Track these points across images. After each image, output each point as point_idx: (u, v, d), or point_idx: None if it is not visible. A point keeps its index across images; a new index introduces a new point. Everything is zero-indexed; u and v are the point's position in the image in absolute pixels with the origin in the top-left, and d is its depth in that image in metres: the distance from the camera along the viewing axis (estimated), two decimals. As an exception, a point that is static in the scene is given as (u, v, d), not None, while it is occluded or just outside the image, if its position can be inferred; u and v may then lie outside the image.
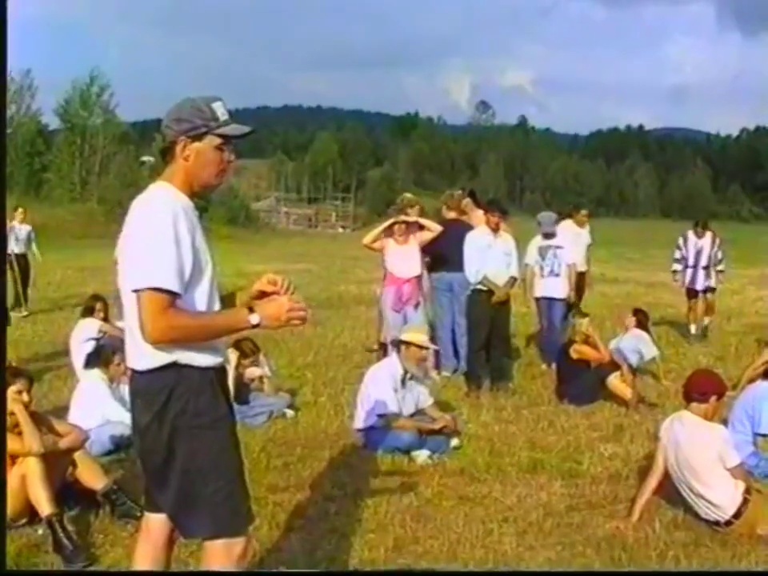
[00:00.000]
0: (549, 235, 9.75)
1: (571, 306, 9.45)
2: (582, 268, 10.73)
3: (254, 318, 2.82)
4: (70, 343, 8.44)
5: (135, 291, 2.74)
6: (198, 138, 2.87)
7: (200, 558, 3.14)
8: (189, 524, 2.95)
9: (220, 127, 2.88)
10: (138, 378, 2.90)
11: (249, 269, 18.23)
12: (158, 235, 2.73)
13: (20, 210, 14.74)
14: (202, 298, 2.87)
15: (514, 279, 8.70)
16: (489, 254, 8.46)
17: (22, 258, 14.16)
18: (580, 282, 10.70)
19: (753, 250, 27.72)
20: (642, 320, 9.43)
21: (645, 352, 8.90)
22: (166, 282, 2.70)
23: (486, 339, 8.49)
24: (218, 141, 2.89)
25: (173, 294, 2.72)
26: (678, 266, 12.35)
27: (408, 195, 9.76)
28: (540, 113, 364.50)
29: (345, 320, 12.98)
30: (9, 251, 13.78)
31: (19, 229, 14.36)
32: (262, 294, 3.04)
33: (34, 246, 14.59)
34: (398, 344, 6.57)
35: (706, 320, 12.16)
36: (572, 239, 10.36)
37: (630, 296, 17.15)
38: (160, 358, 2.81)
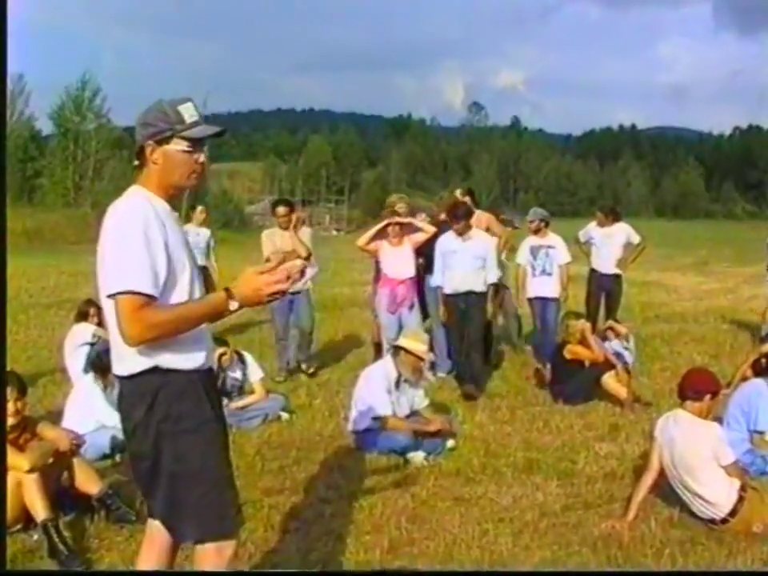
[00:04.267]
0: (538, 230, 9.70)
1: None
2: (614, 270, 10.70)
3: (233, 305, 2.77)
4: (64, 348, 8.42)
5: (110, 296, 2.74)
6: (165, 141, 2.85)
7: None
8: (178, 528, 2.96)
9: (186, 130, 2.85)
10: (122, 384, 2.91)
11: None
12: (128, 240, 2.73)
13: (200, 208, 11.55)
14: (181, 299, 2.84)
15: (493, 286, 8.65)
16: (454, 258, 8.47)
17: (202, 270, 11.94)
18: (613, 285, 10.71)
19: (746, 249, 27.65)
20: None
21: (627, 357, 8.86)
22: (139, 285, 2.69)
23: (462, 342, 8.54)
24: (185, 143, 2.87)
25: (147, 297, 2.70)
26: None
27: (395, 195, 9.76)
28: (533, 113, 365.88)
29: (339, 322, 12.94)
30: None
31: (197, 234, 10.74)
32: None
33: (212, 257, 11.25)
34: (395, 348, 6.57)
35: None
36: (603, 241, 10.69)
37: (623, 295, 17.08)
38: (142, 363, 2.81)
